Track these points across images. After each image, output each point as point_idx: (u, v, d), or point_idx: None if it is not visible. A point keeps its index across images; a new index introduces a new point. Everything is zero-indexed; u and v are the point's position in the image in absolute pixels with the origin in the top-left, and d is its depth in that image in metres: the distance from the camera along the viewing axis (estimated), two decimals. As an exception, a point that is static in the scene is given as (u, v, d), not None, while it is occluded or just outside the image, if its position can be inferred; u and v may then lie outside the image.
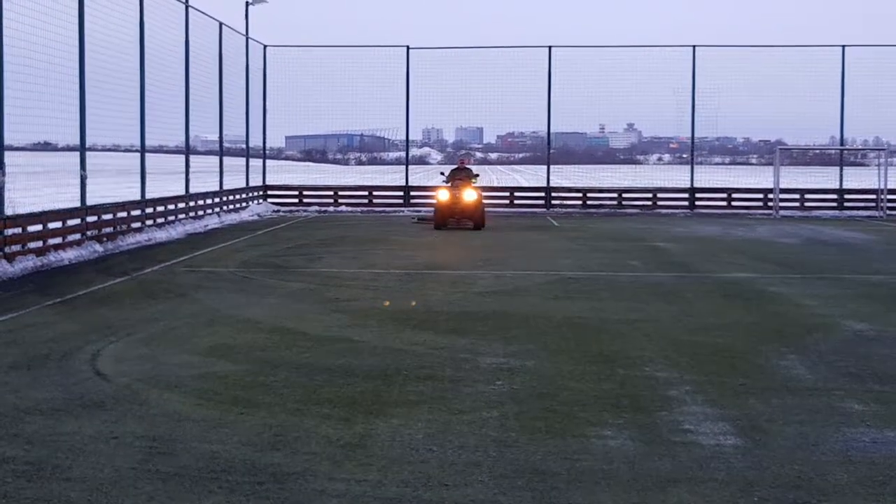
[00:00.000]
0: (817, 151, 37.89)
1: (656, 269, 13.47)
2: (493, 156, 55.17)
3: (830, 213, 27.49)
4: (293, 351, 7.71)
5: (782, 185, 27.40)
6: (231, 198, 25.11)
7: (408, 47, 28.33)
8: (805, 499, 4.46)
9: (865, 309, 10.01)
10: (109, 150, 22.43)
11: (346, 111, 30.56)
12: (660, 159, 44.77)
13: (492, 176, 42.93)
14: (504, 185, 34.33)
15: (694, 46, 27.90)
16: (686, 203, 28.14)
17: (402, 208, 28.05)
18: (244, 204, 26.18)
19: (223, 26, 24.53)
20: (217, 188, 24.10)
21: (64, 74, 15.20)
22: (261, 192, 28.37)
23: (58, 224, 14.67)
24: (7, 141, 13.20)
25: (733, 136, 41.64)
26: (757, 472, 4.82)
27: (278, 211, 27.66)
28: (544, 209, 28.01)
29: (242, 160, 27.52)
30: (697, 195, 28.27)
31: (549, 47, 28.00)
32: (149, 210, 18.84)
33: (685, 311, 9.80)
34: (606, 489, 4.57)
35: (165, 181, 21.85)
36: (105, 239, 16.13)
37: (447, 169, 23.11)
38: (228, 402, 6.12)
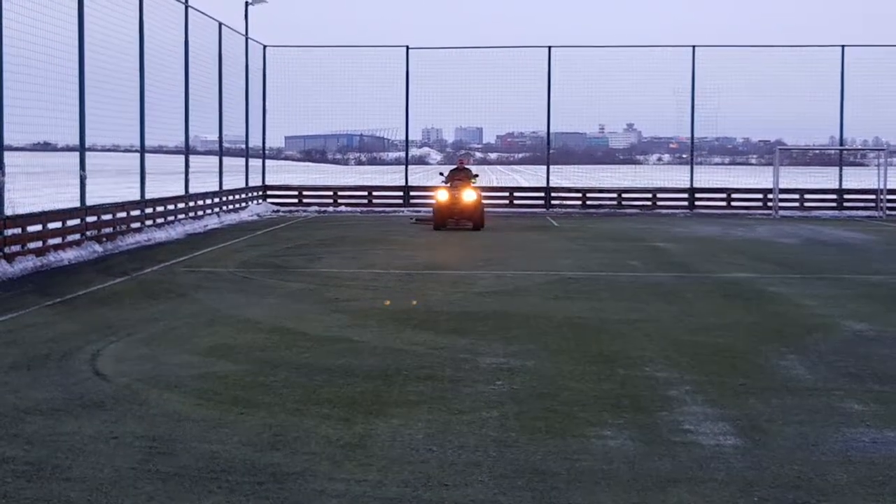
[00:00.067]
0: (817, 151, 37.90)
1: (656, 270, 13.47)
2: (493, 156, 55.18)
3: (830, 213, 27.49)
4: (293, 351, 7.71)
5: (782, 186, 27.40)
6: (231, 198, 25.11)
7: (407, 47, 28.34)
8: (805, 499, 4.46)
9: (865, 309, 10.01)
10: (109, 150, 22.41)
11: (346, 111, 30.60)
12: (659, 159, 44.78)
13: (491, 176, 42.94)
14: (503, 185, 34.33)
15: (694, 46, 27.91)
16: (686, 203, 28.14)
17: (402, 208, 28.05)
18: (244, 204, 26.18)
19: (223, 26, 24.54)
20: (217, 188, 24.10)
21: (64, 74, 15.20)
22: (260, 193, 28.37)
23: (57, 224, 14.67)
24: (7, 141, 13.20)
25: (733, 136, 41.68)
26: (757, 472, 4.82)
27: (278, 211, 27.65)
28: (544, 209, 28.01)
29: (242, 160, 27.52)
30: (697, 195, 28.28)
31: (549, 47, 28.01)
32: (148, 210, 18.84)
33: (685, 311, 9.80)
34: (606, 489, 4.57)
35: (165, 181, 21.84)
36: (105, 239, 16.13)
37: (447, 169, 23.08)
38: (228, 402, 6.12)
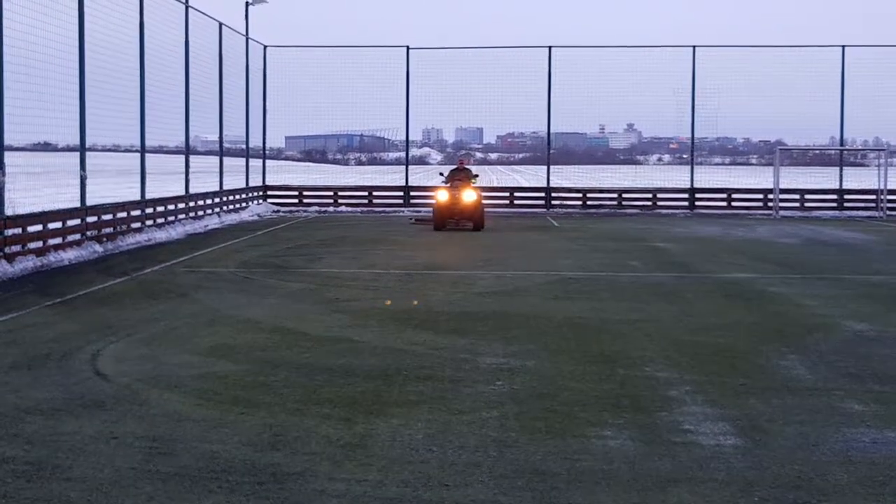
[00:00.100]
0: (817, 152, 37.91)
1: (657, 270, 13.47)
2: (493, 156, 55.17)
3: (830, 213, 27.49)
4: (293, 351, 7.71)
5: (782, 186, 27.40)
6: (231, 198, 25.12)
7: (408, 47, 28.34)
8: (805, 499, 4.46)
9: (866, 309, 10.01)
10: (109, 150, 22.43)
11: (346, 111, 30.59)
12: (660, 159, 44.77)
13: (492, 176, 42.93)
14: (504, 185, 34.32)
15: (694, 47, 27.91)
16: (686, 203, 28.14)
17: (402, 208, 28.05)
18: (244, 204, 26.19)
19: (223, 26, 24.54)
20: (217, 188, 24.11)
21: (64, 74, 15.20)
22: (261, 193, 28.38)
23: (58, 224, 14.67)
24: (7, 141, 13.21)
25: (733, 136, 41.67)
26: (757, 472, 4.82)
27: (278, 211, 27.66)
28: (544, 209, 28.00)
29: (242, 160, 27.52)
30: (697, 195, 28.28)
31: (549, 47, 28.01)
32: (149, 210, 18.84)
33: (686, 311, 9.80)
34: (606, 489, 4.57)
35: (165, 181, 21.85)
36: (105, 239, 16.13)
37: (447, 169, 23.08)
38: (229, 402, 6.12)
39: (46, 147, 18.10)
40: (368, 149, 47.90)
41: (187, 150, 21.90)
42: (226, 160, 25.03)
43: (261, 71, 28.85)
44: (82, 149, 15.81)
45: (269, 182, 29.01)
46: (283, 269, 13.47)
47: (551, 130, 28.87)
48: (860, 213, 27.38)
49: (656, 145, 45.28)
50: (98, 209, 16.29)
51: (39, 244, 13.88)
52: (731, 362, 7.34)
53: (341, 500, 4.43)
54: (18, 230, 13.36)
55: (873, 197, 27.78)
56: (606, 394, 6.35)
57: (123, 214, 17.41)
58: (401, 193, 28.77)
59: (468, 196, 20.52)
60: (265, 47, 28.98)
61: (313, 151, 51.31)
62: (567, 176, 33.97)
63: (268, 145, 30.07)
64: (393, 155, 43.60)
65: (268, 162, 29.37)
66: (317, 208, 28.30)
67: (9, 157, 13.38)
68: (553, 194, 28.57)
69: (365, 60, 29.17)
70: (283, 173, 31.18)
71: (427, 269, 13.43)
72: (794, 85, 28.91)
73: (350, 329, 8.69)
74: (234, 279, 12.33)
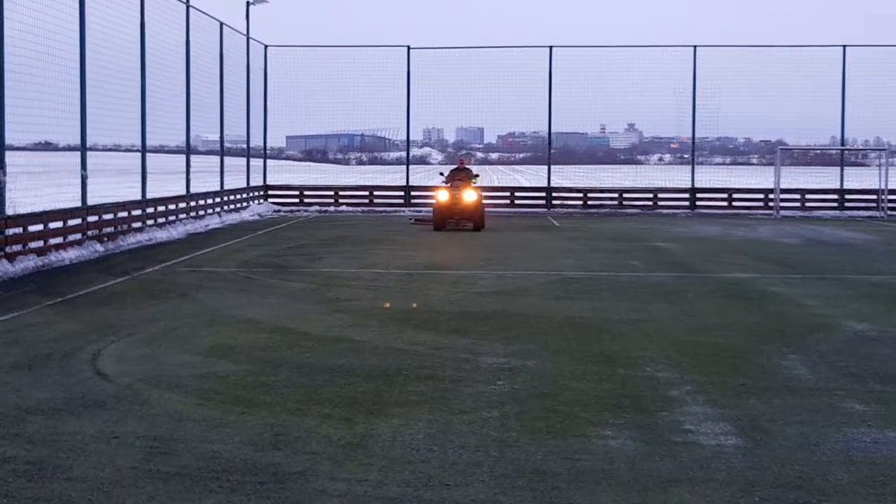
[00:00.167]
0: (818, 152, 37.89)
1: (657, 270, 13.47)
2: (494, 156, 55.14)
3: (831, 213, 27.49)
4: (294, 351, 7.71)
5: (783, 186, 27.40)
6: (232, 198, 25.12)
7: (408, 47, 28.34)
8: (806, 499, 4.46)
9: (866, 309, 10.01)
10: (110, 149, 22.43)
11: (347, 111, 30.59)
12: (660, 159, 44.75)
13: (492, 176, 42.93)
14: (504, 185, 34.32)
15: (694, 46, 27.90)
16: (687, 203, 28.14)
17: (403, 208, 28.06)
18: (245, 204, 26.19)
19: (224, 26, 24.54)
20: (218, 188, 24.11)
21: (65, 74, 15.21)
22: (261, 192, 28.38)
23: (59, 224, 14.68)
24: (8, 141, 13.21)
25: (734, 136, 41.65)
26: (758, 472, 4.82)
27: (279, 211, 27.66)
28: (545, 209, 28.00)
29: (243, 160, 27.52)
30: (698, 195, 28.27)
31: (550, 47, 28.01)
32: (150, 210, 18.85)
33: (686, 311, 9.80)
34: (607, 489, 4.57)
35: (166, 181, 21.86)
36: (106, 239, 16.14)
37: (447, 169, 23.07)
38: (229, 401, 6.12)
39: (47, 147, 18.10)
40: (369, 148, 47.89)
41: (188, 150, 21.90)
42: (227, 160, 25.04)
43: (261, 70, 28.86)
44: (83, 148, 15.82)
45: (269, 182, 29.02)
46: (284, 269, 13.47)
47: (552, 130, 28.87)
48: (861, 213, 27.37)
49: (657, 145, 45.27)
50: (99, 209, 16.30)
51: (40, 244, 13.89)
52: (731, 362, 7.34)
53: (342, 499, 4.43)
54: (19, 230, 13.37)
55: (874, 197, 27.78)
56: (607, 394, 6.35)
57: (124, 214, 17.42)
58: (401, 193, 28.78)
59: (468, 196, 20.51)
60: (266, 47, 28.98)
61: (314, 151, 51.30)
62: (568, 176, 33.96)
63: (269, 145, 30.10)
64: (394, 155, 43.58)
65: (269, 161, 29.39)
66: (317, 208, 28.30)
67: (10, 156, 13.39)
68: (554, 194, 28.57)
69: (366, 60, 29.20)
70: (284, 173, 31.19)
71: (428, 269, 13.43)
72: (794, 85, 28.93)
73: (351, 329, 8.69)
74: (235, 279, 12.34)
